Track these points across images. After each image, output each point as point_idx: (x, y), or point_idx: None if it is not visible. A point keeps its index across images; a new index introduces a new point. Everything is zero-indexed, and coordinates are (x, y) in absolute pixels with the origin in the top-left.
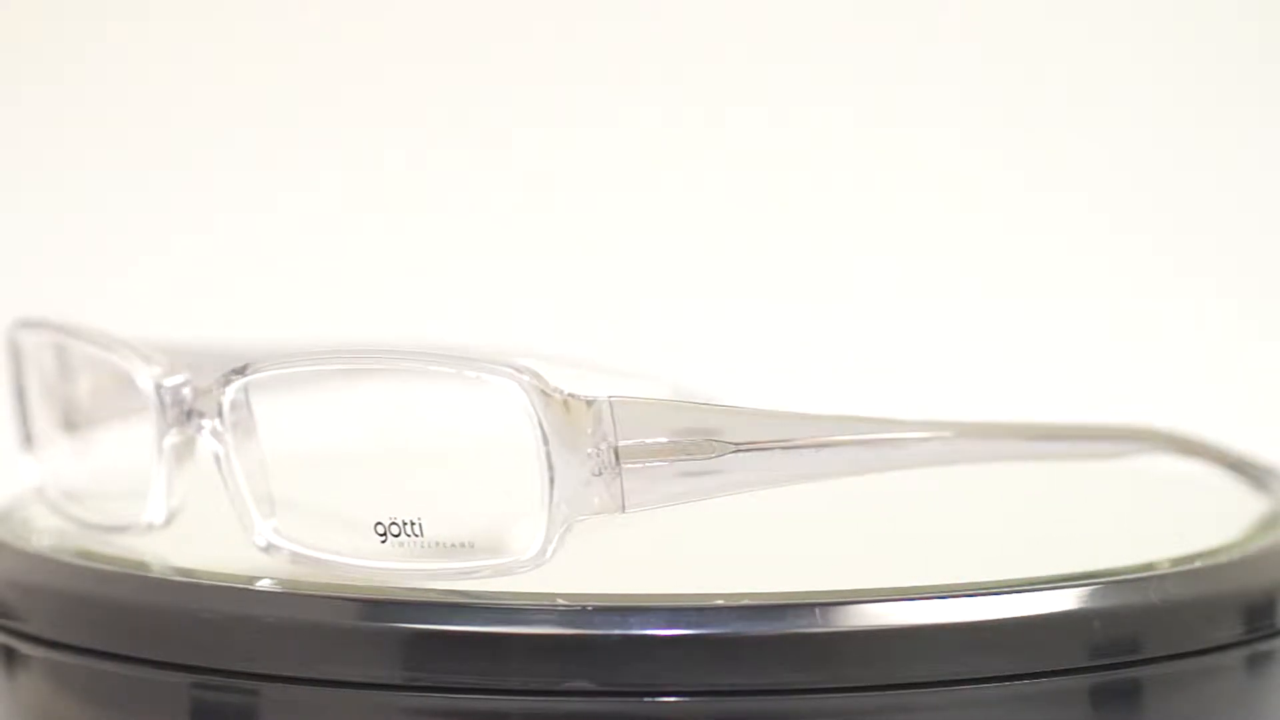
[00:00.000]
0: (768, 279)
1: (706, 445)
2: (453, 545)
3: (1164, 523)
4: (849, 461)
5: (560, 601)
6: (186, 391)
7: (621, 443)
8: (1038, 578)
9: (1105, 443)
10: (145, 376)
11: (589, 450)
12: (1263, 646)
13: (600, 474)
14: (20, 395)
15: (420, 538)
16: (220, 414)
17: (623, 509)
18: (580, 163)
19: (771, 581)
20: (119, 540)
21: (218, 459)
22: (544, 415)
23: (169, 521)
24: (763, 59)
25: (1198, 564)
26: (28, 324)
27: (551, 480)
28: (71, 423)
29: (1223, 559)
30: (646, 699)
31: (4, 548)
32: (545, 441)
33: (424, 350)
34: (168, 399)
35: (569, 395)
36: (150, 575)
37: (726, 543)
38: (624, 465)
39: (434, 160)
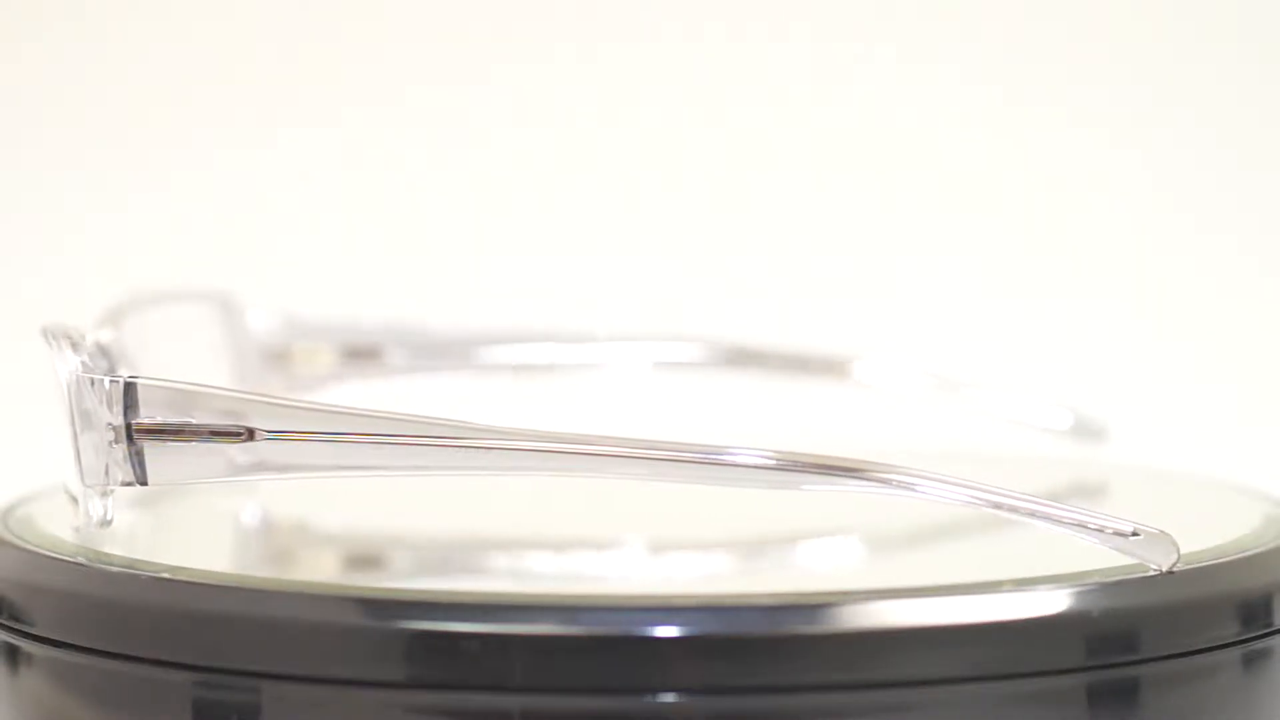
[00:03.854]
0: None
1: (235, 430)
2: (77, 506)
3: (1161, 523)
4: (386, 458)
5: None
6: None
7: (136, 421)
8: (1036, 577)
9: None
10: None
11: (107, 426)
12: (1259, 645)
13: (116, 449)
14: None
15: (69, 494)
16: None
17: (145, 482)
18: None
19: (771, 581)
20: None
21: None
22: (72, 393)
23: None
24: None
25: (1195, 564)
26: None
27: (77, 454)
28: None
29: (1220, 558)
30: (647, 698)
31: (7, 547)
32: (72, 420)
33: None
34: None
35: (104, 376)
36: (153, 575)
37: (727, 541)
38: (140, 443)
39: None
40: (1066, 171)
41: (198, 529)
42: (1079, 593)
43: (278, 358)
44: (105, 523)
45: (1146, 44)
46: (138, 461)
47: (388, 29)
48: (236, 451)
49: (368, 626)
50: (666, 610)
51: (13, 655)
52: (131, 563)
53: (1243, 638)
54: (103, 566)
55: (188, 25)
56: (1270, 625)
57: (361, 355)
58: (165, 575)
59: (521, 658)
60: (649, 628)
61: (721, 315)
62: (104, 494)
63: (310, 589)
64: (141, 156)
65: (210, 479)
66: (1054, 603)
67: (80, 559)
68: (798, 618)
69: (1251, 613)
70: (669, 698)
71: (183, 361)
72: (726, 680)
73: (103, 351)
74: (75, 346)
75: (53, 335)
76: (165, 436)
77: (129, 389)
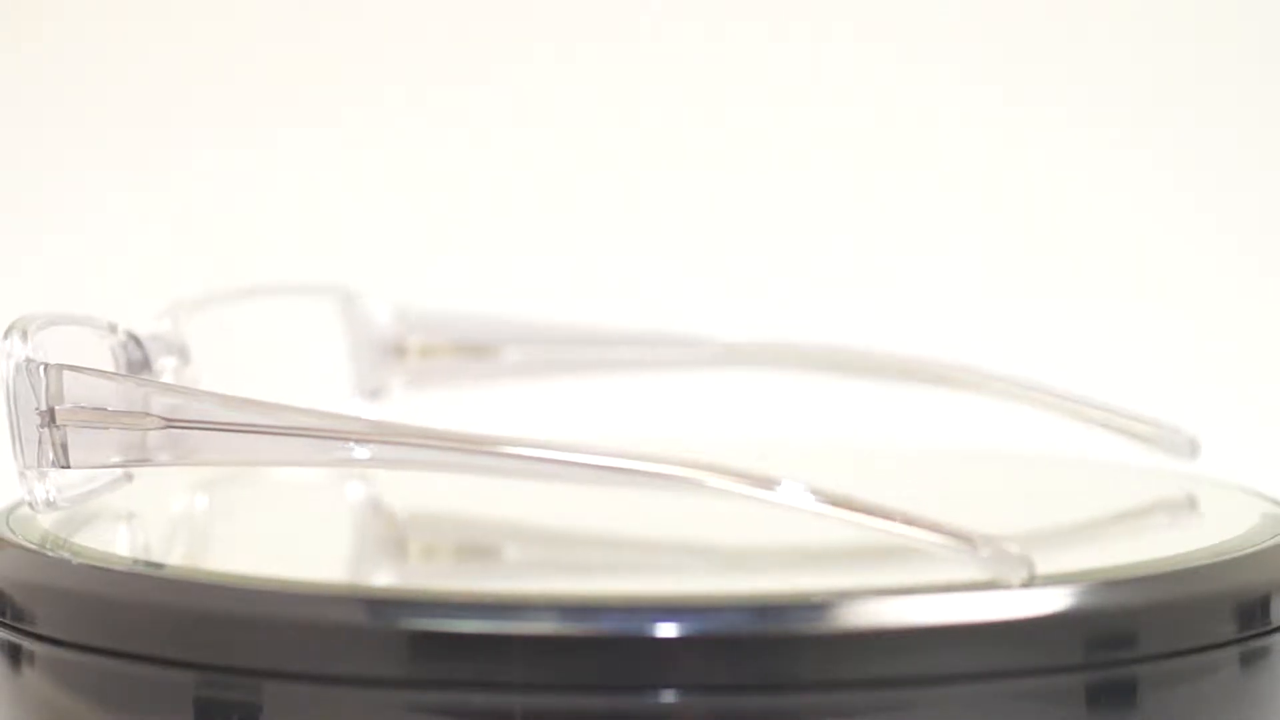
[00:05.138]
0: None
1: (140, 418)
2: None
3: (1159, 521)
4: (291, 451)
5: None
6: None
7: (58, 406)
8: (1034, 576)
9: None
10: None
11: (35, 411)
12: (1258, 644)
13: (44, 433)
14: None
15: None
16: None
17: (68, 465)
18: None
19: (770, 580)
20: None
21: None
22: (11, 377)
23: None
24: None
25: (1193, 562)
26: None
27: (14, 437)
28: None
29: (1218, 557)
30: (646, 696)
31: (9, 546)
32: (10, 404)
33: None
34: None
35: (39, 362)
36: (156, 574)
37: (729, 540)
38: (61, 427)
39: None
40: (1066, 170)
41: (257, 517)
42: (1079, 592)
43: (394, 351)
44: (48, 504)
45: (1148, 42)
46: (61, 445)
47: (388, 29)
48: (147, 438)
49: (369, 626)
50: (666, 610)
51: (15, 654)
52: (133, 562)
53: (1241, 636)
54: (105, 566)
55: (189, 25)
56: (1269, 624)
57: (476, 351)
58: (167, 575)
59: (521, 657)
60: (649, 627)
61: (799, 317)
62: (41, 476)
63: (311, 588)
64: (139, 157)
65: (127, 464)
66: (1053, 601)
67: (82, 558)
68: (798, 618)
69: (1250, 611)
70: (669, 697)
71: (293, 354)
72: (726, 680)
73: (136, 342)
74: (25, 336)
75: (12, 327)
76: (83, 421)
77: (53, 375)
